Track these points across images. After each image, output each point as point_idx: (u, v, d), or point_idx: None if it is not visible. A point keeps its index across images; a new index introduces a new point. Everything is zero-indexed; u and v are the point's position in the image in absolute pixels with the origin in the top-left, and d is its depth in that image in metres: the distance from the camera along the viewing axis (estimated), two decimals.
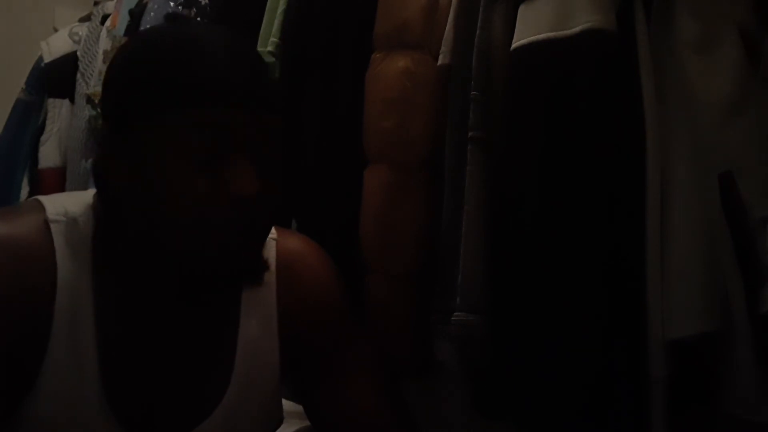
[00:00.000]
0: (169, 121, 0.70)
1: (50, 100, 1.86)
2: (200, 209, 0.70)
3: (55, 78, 1.84)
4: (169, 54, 0.72)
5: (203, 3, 1.41)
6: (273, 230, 0.88)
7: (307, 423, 0.92)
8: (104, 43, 1.71)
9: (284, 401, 0.91)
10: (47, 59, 1.86)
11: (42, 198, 0.79)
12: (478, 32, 0.90)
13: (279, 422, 0.90)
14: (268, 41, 1.14)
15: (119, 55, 0.77)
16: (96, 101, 1.61)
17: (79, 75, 1.77)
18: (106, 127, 0.77)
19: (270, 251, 0.86)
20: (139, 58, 0.74)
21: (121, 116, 0.73)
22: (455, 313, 0.87)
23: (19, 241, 0.73)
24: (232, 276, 0.75)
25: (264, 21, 1.17)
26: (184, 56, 0.71)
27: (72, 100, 1.80)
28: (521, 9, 0.87)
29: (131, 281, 0.77)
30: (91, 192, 0.80)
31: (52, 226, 0.75)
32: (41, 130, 1.86)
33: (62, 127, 1.83)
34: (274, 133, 0.74)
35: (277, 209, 0.79)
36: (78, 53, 1.81)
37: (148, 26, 1.51)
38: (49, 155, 1.83)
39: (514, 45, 0.86)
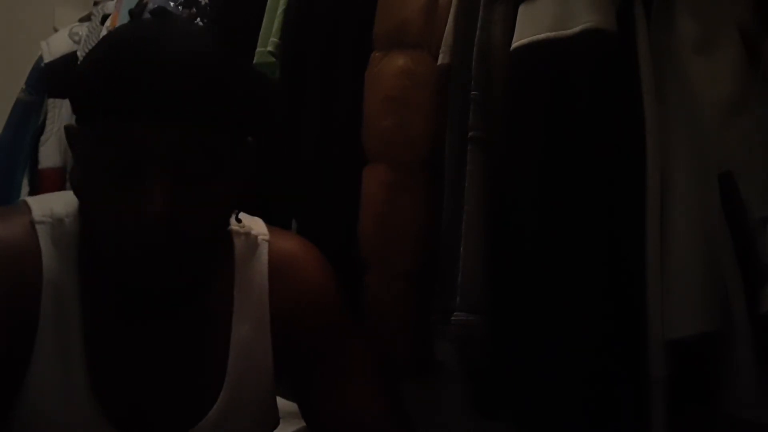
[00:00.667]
0: (95, 127, 0.69)
1: (50, 100, 1.86)
2: (114, 223, 0.69)
3: (55, 78, 1.84)
4: (102, 59, 0.69)
5: (203, 3, 1.40)
6: (266, 231, 0.88)
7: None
8: None
9: (284, 401, 0.90)
10: (47, 59, 1.86)
11: (29, 199, 0.79)
12: (478, 32, 0.90)
13: (275, 424, 0.89)
14: (268, 41, 1.14)
15: (86, 55, 0.75)
16: None
17: None
18: (71, 127, 0.77)
19: (262, 253, 0.86)
20: (90, 55, 0.72)
21: (76, 117, 0.74)
22: (455, 313, 0.87)
23: (5, 242, 0.73)
24: (162, 292, 0.74)
25: (264, 21, 1.17)
26: (117, 61, 0.68)
27: None
28: (521, 9, 0.87)
29: (113, 281, 0.77)
30: None
31: (38, 227, 0.75)
32: (41, 130, 1.86)
33: (62, 126, 1.82)
34: (211, 149, 0.70)
35: (217, 226, 0.76)
36: (78, 53, 1.80)
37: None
38: (49, 155, 1.83)
39: (514, 45, 0.86)
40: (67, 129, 0.77)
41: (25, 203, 0.78)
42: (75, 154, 0.76)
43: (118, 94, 0.66)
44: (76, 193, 0.77)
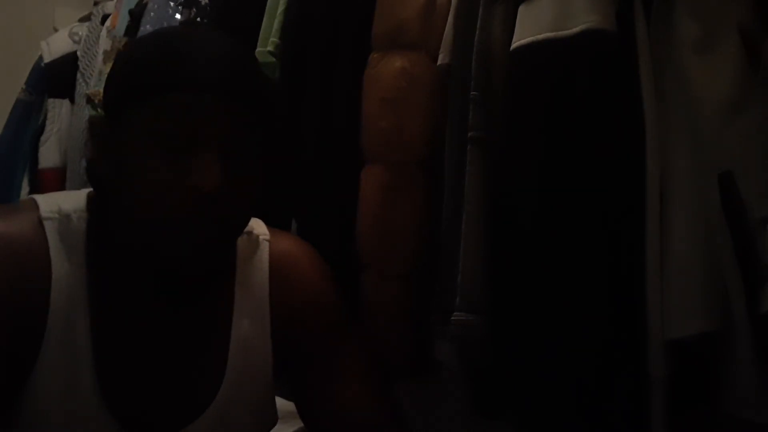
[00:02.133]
0: (142, 108, 0.71)
1: (50, 100, 1.86)
2: (163, 199, 0.70)
3: (55, 78, 1.84)
4: (150, 46, 0.75)
5: (203, 3, 1.41)
6: (266, 231, 0.89)
7: None
8: (104, 43, 1.71)
9: (283, 401, 0.91)
10: (47, 59, 1.86)
11: (36, 196, 0.80)
12: (477, 32, 0.90)
13: (273, 422, 0.90)
14: (268, 41, 1.14)
15: (119, 54, 0.80)
16: (96, 101, 1.61)
17: (79, 75, 1.77)
18: (99, 119, 0.78)
19: (263, 252, 0.87)
20: (127, 53, 0.77)
21: (109, 107, 0.75)
22: (455, 313, 0.87)
23: (14, 238, 0.73)
24: (197, 270, 0.74)
25: (264, 21, 1.17)
26: (161, 48, 0.73)
27: (72, 100, 1.80)
28: (521, 9, 0.87)
29: (123, 277, 0.77)
30: (86, 190, 0.81)
31: (45, 223, 0.75)
32: (41, 130, 1.86)
33: (62, 127, 1.83)
34: (251, 130, 0.74)
35: (250, 208, 0.78)
36: (78, 53, 1.81)
37: (147, 26, 1.51)
38: (49, 155, 1.83)
39: (513, 45, 0.86)
40: (94, 120, 0.79)
41: (33, 200, 0.79)
42: (105, 144, 0.76)
43: (182, 69, 0.71)
44: (96, 183, 0.77)
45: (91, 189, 0.81)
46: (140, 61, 0.73)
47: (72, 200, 0.78)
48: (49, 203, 0.77)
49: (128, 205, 0.73)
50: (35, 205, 0.77)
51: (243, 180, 0.73)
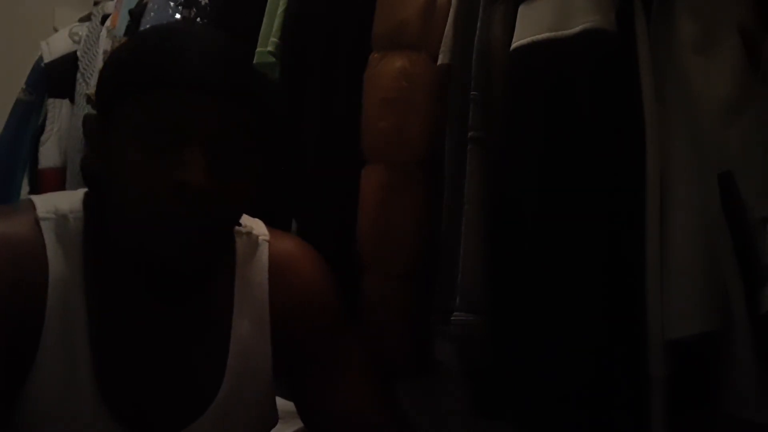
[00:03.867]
0: (130, 104, 0.72)
1: (50, 100, 1.86)
2: (150, 196, 0.70)
3: (55, 78, 1.84)
4: (140, 44, 0.75)
5: (203, 3, 1.41)
6: (266, 231, 0.89)
7: None
8: (104, 43, 1.71)
9: (283, 401, 0.91)
10: (47, 59, 1.86)
11: (33, 197, 0.80)
12: (477, 32, 0.90)
13: (273, 422, 0.90)
14: (268, 41, 1.14)
15: (112, 53, 0.80)
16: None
17: (79, 75, 1.77)
18: (93, 118, 0.79)
19: (263, 253, 0.87)
20: (117, 51, 0.77)
21: (101, 104, 0.76)
22: (455, 313, 0.87)
23: (11, 239, 0.74)
24: (185, 267, 0.74)
25: (264, 21, 1.17)
26: (150, 45, 0.73)
27: (72, 100, 1.80)
28: (521, 9, 0.87)
29: (120, 277, 0.77)
30: (82, 190, 0.81)
31: (42, 223, 0.75)
32: (41, 130, 1.86)
33: (62, 127, 1.83)
34: (242, 128, 0.74)
35: (241, 205, 0.78)
36: (78, 53, 1.81)
37: (147, 26, 1.51)
38: (49, 155, 1.83)
39: (513, 45, 0.86)
40: (88, 117, 0.79)
41: (29, 201, 0.79)
42: (96, 140, 0.77)
43: (169, 64, 0.71)
44: (90, 181, 0.78)
45: (87, 189, 0.81)
46: (129, 58, 0.73)
47: (68, 200, 0.79)
48: (45, 203, 0.77)
49: (119, 202, 0.73)
50: (32, 206, 0.77)
51: (232, 177, 0.73)
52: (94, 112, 1.64)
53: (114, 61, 0.76)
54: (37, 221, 0.76)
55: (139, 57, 0.72)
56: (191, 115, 0.70)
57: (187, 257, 0.72)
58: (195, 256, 0.73)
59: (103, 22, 1.76)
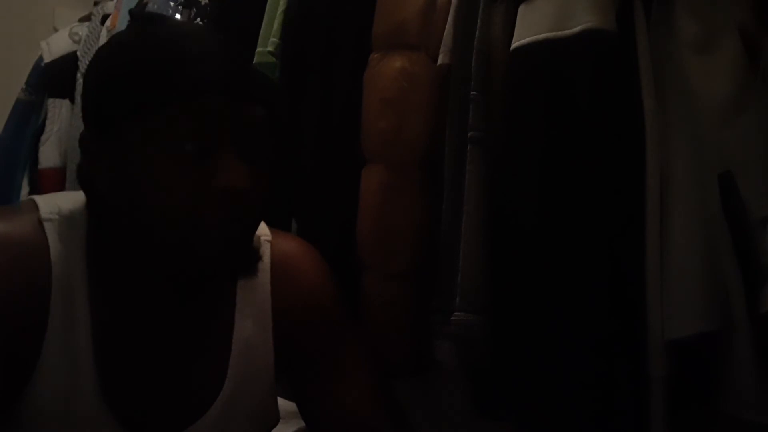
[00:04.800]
0: (151, 119, 0.70)
1: (50, 100, 1.86)
2: (189, 204, 0.70)
3: (55, 78, 1.84)
4: (149, 52, 0.72)
5: (203, 3, 1.41)
6: (268, 232, 0.89)
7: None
8: None
9: (284, 401, 0.91)
10: (47, 59, 1.86)
11: (36, 197, 0.79)
12: (477, 32, 0.90)
13: (275, 422, 0.90)
14: (268, 41, 1.14)
15: (95, 62, 0.77)
16: None
17: (79, 75, 1.77)
18: (88, 133, 0.76)
19: (265, 253, 0.87)
20: (117, 60, 0.74)
21: (105, 121, 0.74)
22: (455, 313, 0.87)
23: (14, 239, 0.73)
24: (224, 270, 0.75)
25: (264, 21, 1.17)
26: (165, 52, 0.72)
27: (72, 100, 1.80)
28: (521, 9, 0.87)
29: (124, 278, 0.77)
30: None
31: (45, 224, 0.75)
32: (41, 130, 1.85)
33: (62, 127, 1.82)
34: (263, 127, 0.74)
35: (267, 204, 0.78)
36: (78, 53, 1.80)
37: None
38: (49, 155, 1.83)
39: (513, 45, 0.86)
40: (83, 136, 0.76)
41: (32, 201, 0.78)
42: (99, 158, 0.74)
43: (183, 76, 0.70)
44: (96, 195, 0.76)
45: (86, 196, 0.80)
46: (136, 71, 0.71)
47: (72, 201, 0.78)
48: (48, 204, 0.77)
49: (145, 217, 0.71)
50: (35, 207, 0.77)
51: (261, 178, 0.74)
52: None
53: (117, 75, 0.73)
54: (40, 222, 0.75)
55: (148, 70, 0.71)
56: (218, 121, 0.70)
57: (228, 259, 0.73)
58: (235, 258, 0.74)
59: (103, 22, 1.76)
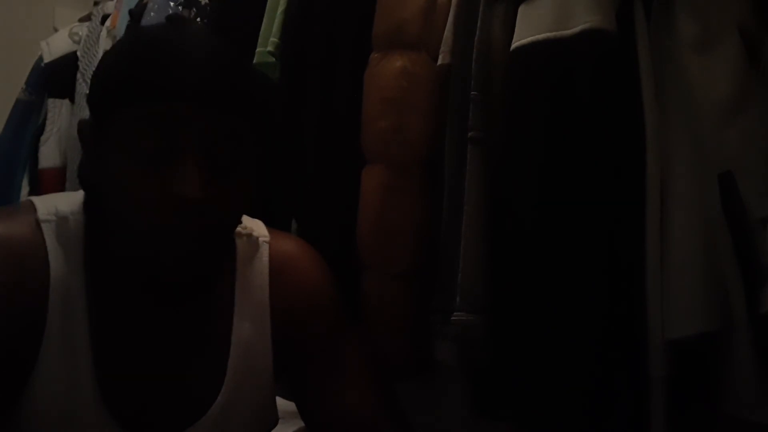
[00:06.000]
0: (122, 116, 0.71)
1: (50, 100, 1.86)
2: (145, 209, 0.70)
3: (55, 78, 1.84)
4: (133, 51, 0.73)
5: (203, 3, 1.41)
6: (266, 232, 0.89)
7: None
8: (104, 43, 1.71)
9: (284, 401, 0.91)
10: (47, 59, 1.86)
11: (34, 198, 0.80)
12: (477, 32, 0.90)
13: (274, 423, 0.90)
14: (268, 41, 1.14)
15: (104, 53, 0.78)
16: None
17: (79, 75, 1.77)
18: (85, 123, 0.78)
19: (263, 253, 0.87)
20: (110, 57, 0.75)
21: (95, 111, 0.75)
22: (455, 313, 0.87)
23: (12, 240, 0.73)
24: (181, 278, 0.74)
25: (264, 21, 1.17)
26: (146, 53, 0.71)
27: (72, 100, 1.80)
28: (521, 9, 0.87)
29: (120, 279, 0.77)
30: (83, 192, 0.81)
31: (43, 225, 0.75)
32: (41, 130, 1.86)
33: (62, 127, 1.83)
34: (235, 137, 0.73)
35: (238, 215, 0.78)
36: (78, 53, 1.81)
37: (142, 26, 1.51)
38: (49, 155, 1.83)
39: (513, 45, 0.86)
40: (82, 123, 0.78)
41: (30, 202, 0.78)
42: (91, 147, 0.76)
43: (161, 77, 0.70)
44: (87, 187, 0.78)
45: (84, 194, 0.81)
46: (121, 66, 0.72)
47: (69, 202, 0.78)
48: (46, 205, 0.77)
49: (116, 211, 0.72)
50: (32, 207, 0.77)
51: (228, 187, 0.72)
52: None
53: (106, 67, 0.74)
54: (38, 223, 0.75)
55: (131, 66, 0.71)
56: (185, 128, 0.69)
57: (184, 267, 0.72)
58: (193, 266, 0.73)
59: (103, 22, 1.76)
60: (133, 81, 0.70)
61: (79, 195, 0.80)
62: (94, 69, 0.76)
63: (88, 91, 0.78)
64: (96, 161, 0.74)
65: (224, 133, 0.72)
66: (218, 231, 0.75)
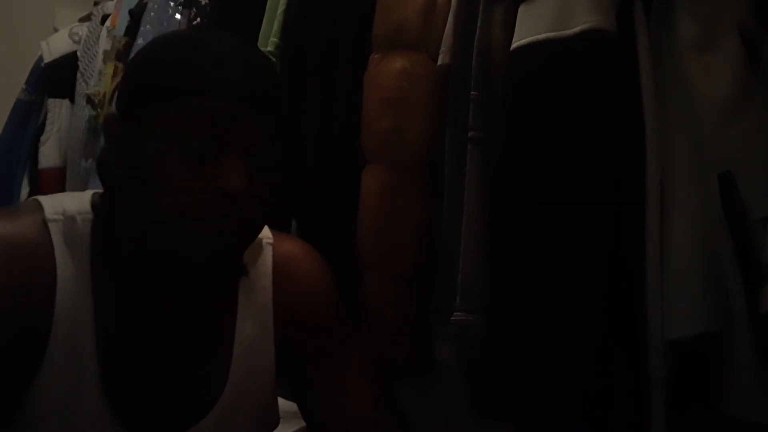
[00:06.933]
0: (167, 110, 0.71)
1: (50, 100, 1.86)
2: (185, 201, 0.70)
3: (55, 78, 1.84)
4: (176, 48, 0.74)
5: (203, 3, 1.41)
6: (270, 234, 0.89)
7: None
8: (104, 43, 1.71)
9: (284, 401, 0.91)
10: (47, 59, 1.86)
11: (41, 198, 0.79)
12: (477, 32, 0.90)
13: (275, 423, 0.90)
14: (268, 41, 1.15)
15: (140, 49, 0.80)
16: (96, 101, 1.61)
17: (79, 75, 1.77)
18: (112, 117, 0.78)
19: (266, 255, 0.87)
20: (150, 52, 0.76)
21: (127, 106, 0.75)
22: (455, 313, 0.87)
23: (19, 239, 0.73)
24: (219, 274, 0.75)
25: (264, 21, 1.17)
26: (190, 50, 0.73)
27: (72, 100, 1.80)
28: (521, 9, 0.87)
29: (128, 279, 0.77)
30: (90, 192, 0.81)
31: (50, 225, 0.75)
32: (41, 130, 1.86)
33: (62, 127, 1.83)
34: (273, 137, 0.75)
35: (270, 213, 0.79)
36: (78, 53, 1.81)
37: (147, 26, 1.51)
38: (49, 155, 1.83)
39: (513, 45, 0.86)
40: (108, 118, 0.79)
41: (37, 201, 0.78)
42: (120, 141, 0.76)
43: (218, 74, 0.72)
44: (108, 182, 0.78)
45: (95, 191, 0.81)
46: (166, 62, 0.73)
47: (76, 201, 0.78)
48: (53, 205, 0.77)
49: (147, 206, 0.72)
50: (39, 207, 0.77)
51: (266, 184, 0.74)
52: (94, 112, 1.63)
53: (147, 62, 0.75)
54: (44, 222, 0.75)
55: (177, 62, 0.72)
56: (232, 125, 0.71)
57: (220, 262, 0.73)
58: (227, 261, 0.74)
59: (103, 22, 1.77)
60: (187, 75, 0.71)
61: (86, 195, 0.80)
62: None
63: (121, 85, 0.79)
64: (127, 154, 0.74)
65: (263, 132, 0.74)
66: (253, 227, 0.77)
